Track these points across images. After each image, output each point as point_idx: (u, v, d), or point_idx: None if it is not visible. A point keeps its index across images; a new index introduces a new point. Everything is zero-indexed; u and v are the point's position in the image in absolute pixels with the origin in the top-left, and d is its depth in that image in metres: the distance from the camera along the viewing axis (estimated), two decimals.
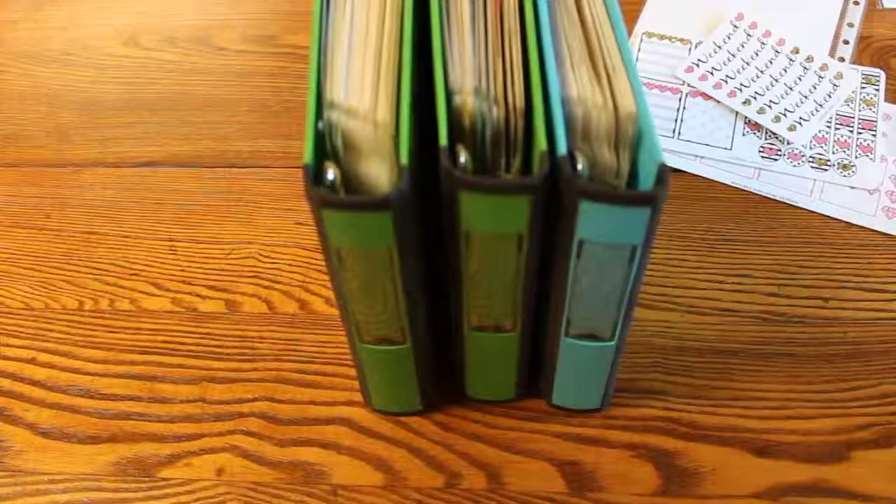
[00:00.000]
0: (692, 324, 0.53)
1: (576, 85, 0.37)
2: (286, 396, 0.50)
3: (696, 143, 0.61)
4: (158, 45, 0.74)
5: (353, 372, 0.48)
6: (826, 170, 0.60)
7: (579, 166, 0.36)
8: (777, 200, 0.59)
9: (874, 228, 0.58)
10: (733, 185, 0.59)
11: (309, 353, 0.53)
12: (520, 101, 0.37)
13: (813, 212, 0.59)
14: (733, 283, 0.55)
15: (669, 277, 0.55)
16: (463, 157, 0.36)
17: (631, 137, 0.37)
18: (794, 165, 0.60)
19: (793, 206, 0.59)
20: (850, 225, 0.58)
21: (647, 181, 0.35)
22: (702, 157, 0.60)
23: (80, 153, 0.66)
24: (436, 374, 0.47)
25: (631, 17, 0.70)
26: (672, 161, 0.60)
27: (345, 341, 0.44)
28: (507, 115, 0.37)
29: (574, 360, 0.44)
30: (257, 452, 0.48)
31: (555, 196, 0.35)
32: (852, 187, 0.59)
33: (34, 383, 0.52)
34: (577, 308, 0.40)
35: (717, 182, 0.60)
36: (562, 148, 0.34)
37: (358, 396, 0.50)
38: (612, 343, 0.42)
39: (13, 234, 0.61)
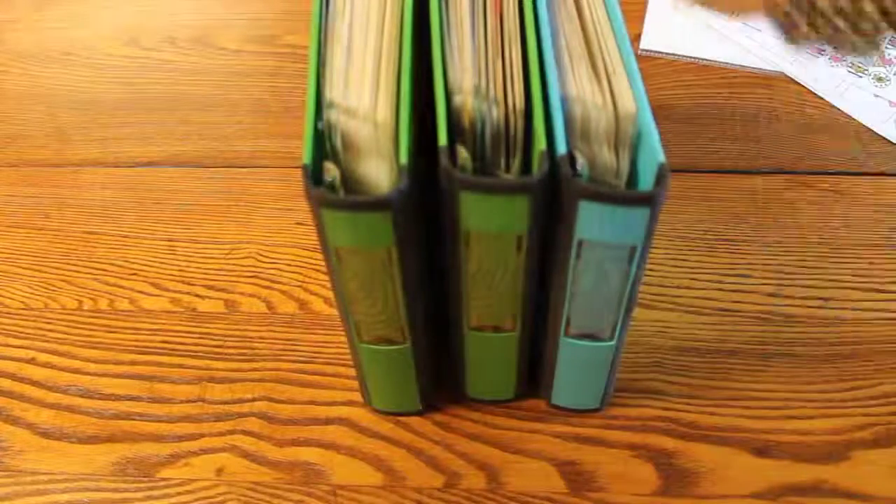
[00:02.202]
0: (692, 324, 0.53)
1: (575, 85, 0.37)
2: (286, 396, 0.50)
3: (751, 26, 0.63)
4: (158, 45, 0.74)
5: (352, 372, 0.48)
6: (861, 76, 0.61)
7: (579, 166, 0.36)
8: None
9: (881, 134, 0.61)
10: (764, 67, 0.60)
11: (308, 353, 0.53)
12: (519, 101, 0.37)
13: (827, 102, 0.63)
14: (733, 283, 0.55)
15: (669, 277, 0.55)
16: (462, 157, 0.36)
17: (630, 137, 0.37)
18: (832, 66, 0.61)
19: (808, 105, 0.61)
20: (849, 226, 0.58)
21: (646, 181, 0.35)
22: (748, 37, 0.61)
23: (79, 153, 0.66)
24: (436, 374, 0.47)
25: (631, 17, 0.70)
26: (715, 38, 0.62)
27: (344, 341, 0.44)
28: (506, 115, 0.37)
29: (573, 360, 0.44)
30: (257, 452, 0.48)
31: (554, 196, 0.35)
32: (876, 95, 0.61)
33: (34, 383, 0.52)
34: (576, 308, 0.40)
35: (749, 68, 0.62)
36: (561, 148, 0.34)
37: (358, 396, 0.50)
38: (612, 343, 0.42)
39: (13, 234, 0.61)
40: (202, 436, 0.49)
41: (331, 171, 0.35)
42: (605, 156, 0.37)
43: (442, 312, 0.44)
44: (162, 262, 0.58)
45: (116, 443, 0.49)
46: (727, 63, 0.69)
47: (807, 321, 0.53)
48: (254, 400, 0.50)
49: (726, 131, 0.65)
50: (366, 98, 0.36)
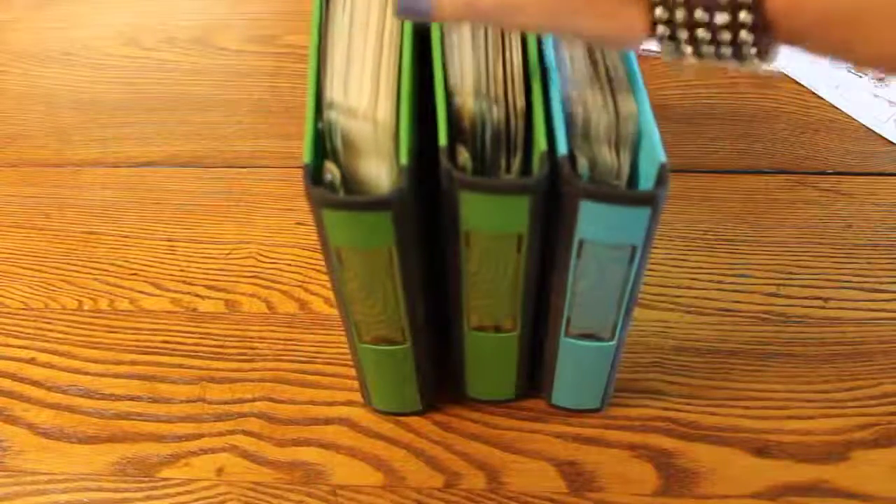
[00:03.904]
0: (692, 324, 0.53)
1: (576, 85, 0.37)
2: (286, 396, 0.50)
3: None
4: (158, 45, 0.74)
5: (353, 372, 0.48)
6: (861, 76, 0.63)
7: (580, 166, 0.36)
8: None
9: (881, 134, 0.62)
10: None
11: (309, 353, 0.53)
12: (520, 101, 0.37)
13: (827, 102, 0.64)
14: (733, 283, 0.55)
15: (669, 277, 0.55)
16: (463, 157, 0.36)
17: (631, 137, 0.37)
18: (832, 66, 0.63)
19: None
20: (849, 226, 0.58)
21: (647, 181, 0.35)
22: None
23: (80, 153, 0.66)
24: (436, 374, 0.47)
25: None
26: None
27: (345, 341, 0.44)
28: (507, 115, 0.37)
29: (574, 360, 0.44)
30: (257, 452, 0.48)
31: (555, 196, 0.35)
32: (876, 95, 0.62)
33: (34, 383, 0.52)
34: (577, 308, 0.40)
35: None
36: (562, 148, 0.34)
37: (358, 396, 0.50)
38: (612, 343, 0.42)
39: (13, 234, 0.61)
40: (202, 436, 0.49)
41: (331, 171, 0.35)
42: (606, 156, 0.37)
43: (442, 312, 0.44)
44: (162, 262, 0.58)
45: (116, 443, 0.49)
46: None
47: (807, 321, 0.53)
48: (254, 400, 0.50)
49: (726, 131, 0.65)
50: (366, 98, 0.36)
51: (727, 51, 0.32)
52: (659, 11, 0.32)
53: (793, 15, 0.30)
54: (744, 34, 0.31)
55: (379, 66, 0.37)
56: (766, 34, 0.31)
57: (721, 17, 0.31)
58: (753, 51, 0.31)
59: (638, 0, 0.32)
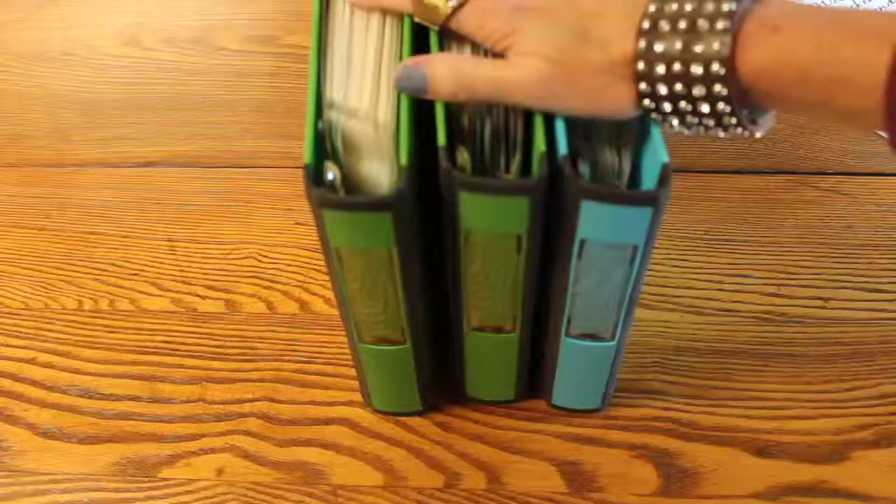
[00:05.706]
0: (692, 324, 0.53)
1: None
2: (286, 396, 0.50)
3: None
4: (158, 45, 0.74)
5: (353, 372, 0.48)
6: None
7: (581, 167, 0.36)
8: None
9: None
10: None
11: (309, 353, 0.53)
12: None
13: None
14: (733, 283, 0.55)
15: (669, 277, 0.55)
16: (462, 158, 0.36)
17: (633, 137, 0.37)
18: None
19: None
20: (850, 226, 0.58)
21: (649, 181, 0.35)
22: None
23: (80, 153, 0.66)
24: (436, 374, 0.47)
25: None
26: None
27: (345, 341, 0.44)
28: (506, 115, 0.37)
29: (574, 360, 0.44)
30: (257, 452, 0.48)
31: (555, 195, 0.35)
32: None
33: (34, 383, 0.52)
34: (577, 308, 0.40)
35: None
36: (562, 148, 0.34)
37: (358, 396, 0.50)
38: (613, 343, 0.42)
39: (13, 234, 0.61)
40: (202, 436, 0.49)
41: (332, 171, 0.35)
42: (607, 156, 0.37)
43: (442, 312, 0.44)
44: (162, 262, 0.58)
45: (117, 443, 0.49)
46: None
47: (807, 321, 0.53)
48: (254, 400, 0.50)
49: None
50: (366, 98, 0.36)
51: (710, 122, 0.33)
52: (643, 86, 0.33)
53: (769, 77, 0.31)
54: (721, 105, 0.32)
55: (379, 67, 0.37)
56: (743, 104, 0.32)
57: (698, 90, 0.32)
58: (733, 121, 0.32)
59: (623, 76, 0.33)
